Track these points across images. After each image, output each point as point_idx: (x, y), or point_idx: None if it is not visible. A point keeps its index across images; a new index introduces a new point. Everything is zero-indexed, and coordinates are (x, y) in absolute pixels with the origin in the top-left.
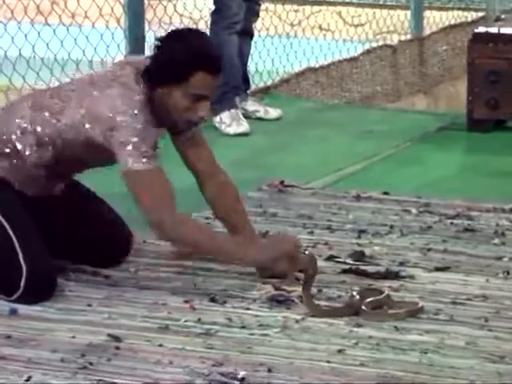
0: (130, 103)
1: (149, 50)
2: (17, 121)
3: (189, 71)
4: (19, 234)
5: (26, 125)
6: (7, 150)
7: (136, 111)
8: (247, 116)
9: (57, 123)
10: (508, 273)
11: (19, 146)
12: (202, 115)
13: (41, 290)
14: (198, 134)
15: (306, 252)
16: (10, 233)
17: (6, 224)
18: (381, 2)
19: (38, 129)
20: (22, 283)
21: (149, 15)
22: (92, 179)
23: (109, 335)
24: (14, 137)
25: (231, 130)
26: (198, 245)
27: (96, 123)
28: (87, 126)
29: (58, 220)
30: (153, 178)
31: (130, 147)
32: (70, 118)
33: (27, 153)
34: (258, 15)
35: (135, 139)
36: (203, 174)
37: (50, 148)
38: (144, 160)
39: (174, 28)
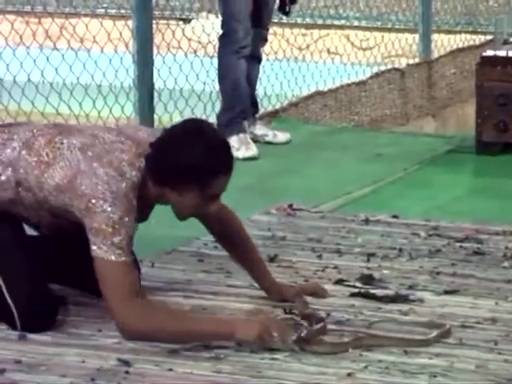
0: (113, 190)
1: (157, 74)
2: (7, 151)
3: (209, 178)
4: (5, 274)
5: (12, 158)
6: None
7: (116, 201)
8: (256, 140)
9: (40, 176)
10: None
11: (2, 178)
12: (214, 209)
13: (37, 327)
14: None
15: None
16: None
17: None
18: (389, 26)
19: (20, 171)
20: (18, 324)
21: (157, 39)
22: None
23: (118, 360)
24: None
25: (240, 154)
26: (166, 330)
27: (74, 198)
28: (65, 195)
29: (62, 246)
30: (121, 273)
31: (101, 236)
32: (53, 179)
33: (2, 188)
34: (266, 40)
35: (110, 229)
36: (210, 222)
37: (29, 194)
38: (115, 252)
39: (182, 121)
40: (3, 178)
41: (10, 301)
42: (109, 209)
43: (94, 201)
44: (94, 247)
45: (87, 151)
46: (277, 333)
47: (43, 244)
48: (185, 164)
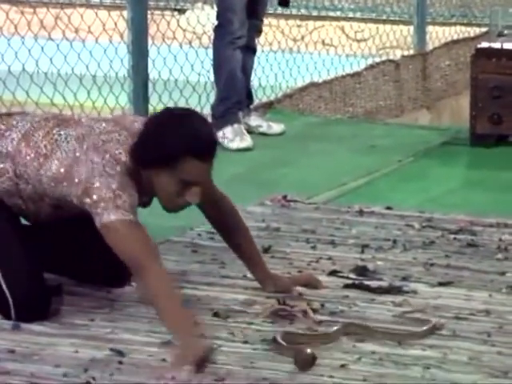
0: (108, 171)
1: (152, 64)
2: (6, 142)
3: (176, 156)
4: (2, 261)
5: (11, 150)
6: None
7: (113, 174)
8: (250, 131)
9: (38, 168)
10: (511, 288)
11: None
12: (191, 201)
13: (32, 316)
14: None
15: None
16: None
17: None
18: (384, 17)
19: (19, 164)
20: (12, 313)
21: (152, 30)
22: None
23: (111, 350)
24: None
25: (234, 145)
26: (157, 305)
27: (72, 186)
28: (64, 185)
29: (60, 237)
30: (129, 229)
31: (103, 204)
32: (51, 170)
33: (1, 179)
34: (260, 31)
35: (109, 195)
36: (207, 209)
37: (28, 186)
38: (118, 211)
39: (169, 106)
40: (1, 165)
41: (5, 289)
42: (106, 181)
43: (90, 181)
44: (98, 218)
45: (84, 141)
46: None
47: (38, 234)
48: (153, 143)
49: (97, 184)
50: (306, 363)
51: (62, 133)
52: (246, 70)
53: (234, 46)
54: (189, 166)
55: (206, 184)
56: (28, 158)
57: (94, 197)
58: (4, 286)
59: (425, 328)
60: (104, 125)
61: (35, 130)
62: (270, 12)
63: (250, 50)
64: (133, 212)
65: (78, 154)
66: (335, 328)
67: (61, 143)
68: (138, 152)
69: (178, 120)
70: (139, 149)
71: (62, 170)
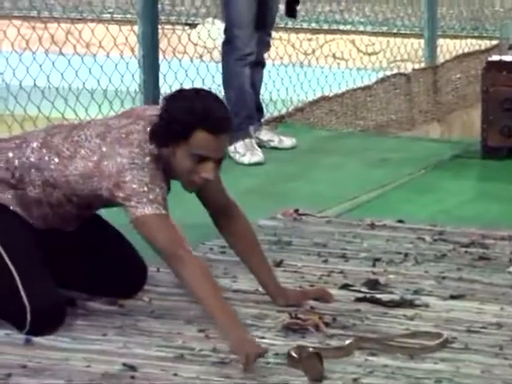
0: (136, 159)
1: (163, 79)
2: (27, 152)
3: (187, 129)
4: (21, 271)
5: (34, 159)
6: (13, 181)
7: (143, 166)
8: (261, 145)
9: (64, 170)
10: None
11: (25, 179)
12: (205, 177)
13: (47, 325)
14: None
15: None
16: (12, 270)
17: (7, 260)
18: (395, 31)
19: (45, 170)
20: (28, 321)
21: (163, 45)
22: (106, 209)
23: (124, 364)
24: (20, 169)
25: (245, 160)
26: (197, 294)
27: (102, 180)
28: (94, 180)
29: (72, 251)
30: (163, 222)
31: (136, 197)
32: (78, 169)
33: (29, 188)
34: (269, 46)
35: (142, 189)
36: (216, 213)
37: (56, 190)
38: (153, 206)
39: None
40: (27, 178)
41: (23, 294)
42: (138, 174)
43: (122, 175)
44: (131, 210)
45: (106, 137)
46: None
47: (48, 248)
48: (167, 119)
49: (129, 177)
50: (316, 375)
51: (80, 134)
52: (255, 84)
53: (242, 63)
54: (201, 140)
55: (219, 161)
56: (52, 162)
57: (127, 190)
58: (22, 292)
59: (437, 342)
60: (118, 120)
61: (52, 137)
62: (280, 26)
63: (258, 64)
64: (165, 206)
65: (104, 149)
66: (348, 342)
67: (83, 143)
68: (156, 132)
69: (191, 96)
70: (157, 128)
71: (91, 165)
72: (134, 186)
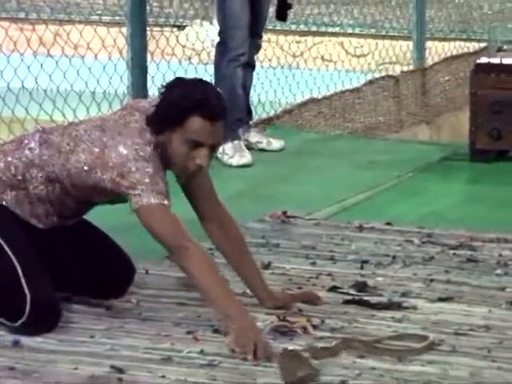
0: (140, 151)
1: (151, 80)
2: (26, 152)
3: (183, 115)
4: (23, 262)
5: (33, 158)
6: (15, 182)
7: (147, 157)
8: (250, 147)
9: (66, 164)
10: (511, 303)
11: (27, 178)
12: (199, 163)
13: (45, 318)
14: (201, 174)
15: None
16: (14, 260)
17: (9, 252)
18: (383, 33)
19: (46, 166)
20: (27, 310)
21: (151, 46)
22: (94, 210)
23: (111, 367)
24: (21, 169)
25: (234, 162)
26: (203, 284)
27: (106, 171)
28: (97, 171)
29: (59, 251)
30: (167, 213)
31: (141, 187)
32: (80, 161)
33: (32, 186)
34: (259, 48)
35: (146, 180)
36: (204, 216)
37: (56, 185)
38: (157, 196)
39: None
40: (27, 175)
41: (24, 283)
42: (142, 165)
43: (126, 165)
44: (135, 199)
45: (105, 130)
46: (261, 350)
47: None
48: (164, 105)
49: (133, 168)
50: (291, 377)
51: (78, 129)
52: (246, 87)
53: (235, 64)
54: (196, 126)
55: (213, 148)
56: (54, 157)
57: (132, 180)
58: (23, 280)
59: (423, 344)
60: (113, 113)
61: (48, 135)
62: (269, 28)
63: (249, 66)
64: (168, 196)
65: (105, 140)
66: (335, 343)
67: (82, 137)
68: (154, 118)
69: (189, 83)
70: (155, 114)
71: (93, 157)
72: (138, 176)
